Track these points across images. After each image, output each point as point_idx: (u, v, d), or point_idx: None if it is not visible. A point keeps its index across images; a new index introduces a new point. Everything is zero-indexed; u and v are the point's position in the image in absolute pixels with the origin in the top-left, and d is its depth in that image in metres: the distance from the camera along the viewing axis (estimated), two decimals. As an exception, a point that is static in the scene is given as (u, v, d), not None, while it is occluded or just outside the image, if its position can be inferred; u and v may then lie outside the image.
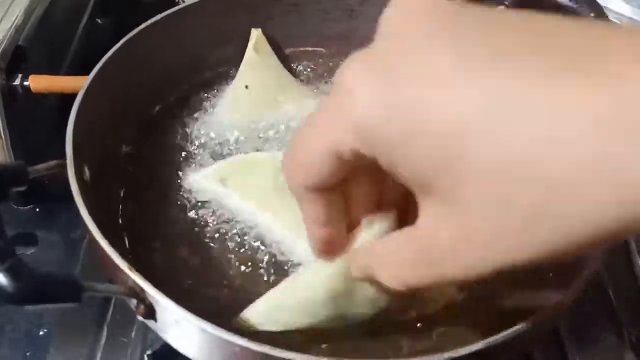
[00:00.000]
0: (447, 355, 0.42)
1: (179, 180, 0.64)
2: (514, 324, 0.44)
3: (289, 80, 0.72)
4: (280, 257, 0.57)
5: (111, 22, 0.93)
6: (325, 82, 0.74)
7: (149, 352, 0.56)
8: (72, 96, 0.57)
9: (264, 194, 0.59)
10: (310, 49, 0.76)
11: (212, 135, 0.68)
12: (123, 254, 0.45)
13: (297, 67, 0.75)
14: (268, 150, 0.66)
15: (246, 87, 0.69)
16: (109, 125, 0.61)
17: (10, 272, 0.39)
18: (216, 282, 0.55)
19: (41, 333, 0.62)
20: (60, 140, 0.53)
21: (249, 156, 0.64)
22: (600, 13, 0.64)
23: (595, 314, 0.64)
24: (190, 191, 0.62)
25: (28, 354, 0.61)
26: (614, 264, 0.68)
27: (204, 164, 0.65)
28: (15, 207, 0.73)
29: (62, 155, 0.52)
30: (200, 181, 0.62)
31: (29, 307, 0.41)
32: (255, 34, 0.73)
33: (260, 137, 0.67)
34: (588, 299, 0.63)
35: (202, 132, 0.68)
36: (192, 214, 0.61)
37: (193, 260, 0.57)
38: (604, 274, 0.67)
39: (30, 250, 0.69)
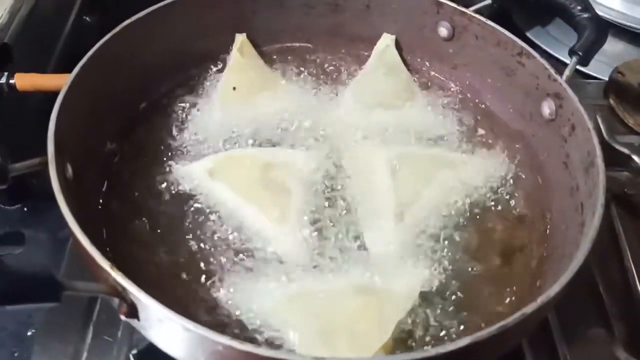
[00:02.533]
0: (434, 351, 0.42)
1: (162, 177, 0.63)
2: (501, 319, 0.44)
3: (274, 80, 0.72)
4: (259, 252, 0.57)
5: (99, 20, 0.93)
6: (313, 79, 0.74)
7: (134, 351, 0.56)
8: (57, 94, 0.57)
9: (250, 188, 0.60)
10: (297, 44, 0.75)
11: (199, 134, 0.67)
12: (105, 252, 0.45)
13: (283, 64, 0.75)
14: (256, 147, 0.65)
15: (234, 88, 0.69)
16: (93, 123, 0.61)
17: (-10, 273, 0.39)
18: (198, 278, 0.55)
19: (29, 333, 0.62)
20: (46, 139, 0.52)
21: (238, 152, 0.64)
22: (587, 7, 0.64)
23: (585, 308, 0.64)
24: (173, 187, 0.62)
25: (16, 354, 0.61)
26: (604, 259, 0.67)
27: (190, 162, 0.64)
28: (2, 206, 0.72)
29: (47, 153, 0.51)
30: (189, 172, 0.62)
31: (9, 307, 0.40)
32: (240, 38, 0.73)
33: (246, 136, 0.67)
34: (578, 294, 0.64)
35: (188, 130, 0.68)
36: (174, 210, 0.60)
37: (175, 257, 0.57)
38: (594, 269, 0.67)
39: (18, 250, 0.69)
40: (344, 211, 0.60)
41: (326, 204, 0.61)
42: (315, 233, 0.58)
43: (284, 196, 0.59)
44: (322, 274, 0.55)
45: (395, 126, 0.68)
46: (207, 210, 0.60)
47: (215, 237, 0.58)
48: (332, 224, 0.59)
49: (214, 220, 0.59)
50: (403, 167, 0.63)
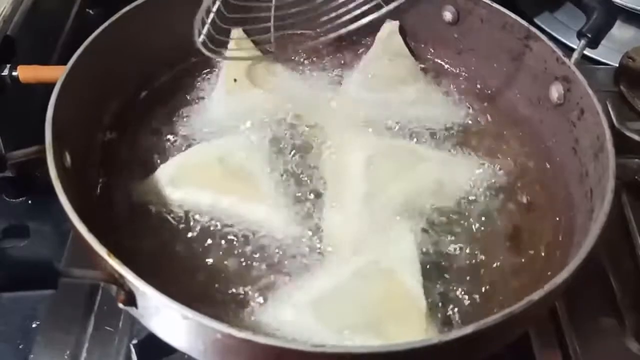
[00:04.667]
0: (438, 339, 0.41)
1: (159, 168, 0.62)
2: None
3: (275, 70, 0.72)
4: (248, 233, 0.57)
5: (101, 12, 0.93)
6: (314, 68, 0.73)
7: (134, 341, 0.56)
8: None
9: (216, 182, 0.60)
10: (298, 31, 0.74)
11: (199, 123, 0.67)
12: (104, 242, 0.44)
13: (284, 53, 0.73)
14: (260, 138, 0.64)
15: (235, 80, 0.69)
16: (92, 112, 0.60)
17: (-14, 260, 0.38)
18: (192, 268, 0.55)
19: (34, 326, 0.62)
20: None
21: (189, 153, 0.63)
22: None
23: (595, 298, 0.63)
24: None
25: (21, 346, 0.61)
26: (614, 249, 0.66)
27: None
28: (7, 199, 0.72)
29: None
30: (153, 184, 0.61)
31: (5, 294, 0.40)
32: (236, 33, 0.72)
33: (246, 126, 0.66)
34: (587, 282, 0.63)
35: (189, 120, 0.67)
36: (170, 201, 0.60)
37: (173, 246, 0.56)
38: (604, 259, 0.66)
39: (22, 242, 0.68)
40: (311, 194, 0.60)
41: (294, 182, 0.61)
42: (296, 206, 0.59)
43: (256, 180, 0.60)
44: (323, 268, 0.55)
45: (396, 115, 0.67)
46: (190, 213, 0.59)
47: (205, 230, 0.58)
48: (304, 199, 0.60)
49: (198, 218, 0.59)
50: (380, 159, 0.62)
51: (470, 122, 0.69)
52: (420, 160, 0.62)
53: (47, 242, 0.69)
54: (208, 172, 0.60)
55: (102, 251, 0.42)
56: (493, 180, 0.63)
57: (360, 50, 0.75)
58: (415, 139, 0.66)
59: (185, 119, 0.67)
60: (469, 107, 0.70)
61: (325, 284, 0.53)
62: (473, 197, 0.61)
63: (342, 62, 0.74)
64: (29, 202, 0.73)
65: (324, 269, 0.54)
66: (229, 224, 0.58)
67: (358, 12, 0.69)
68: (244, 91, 0.69)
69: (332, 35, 0.72)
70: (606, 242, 0.64)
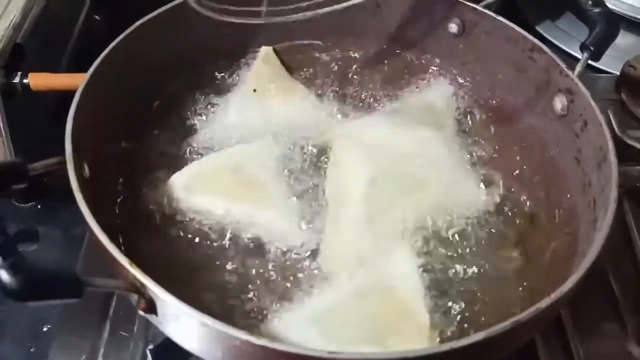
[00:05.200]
0: (448, 346, 0.42)
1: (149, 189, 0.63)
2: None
3: (294, 87, 0.73)
4: (258, 243, 0.58)
5: (109, 19, 0.94)
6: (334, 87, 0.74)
7: (151, 346, 0.57)
8: (70, 93, 0.57)
9: (229, 190, 0.61)
10: (305, 42, 0.75)
11: (212, 132, 0.68)
12: (122, 250, 0.45)
13: (293, 63, 0.75)
14: (272, 151, 0.65)
15: (254, 90, 0.70)
16: (108, 121, 0.61)
17: (13, 269, 0.39)
18: (211, 276, 0.56)
19: (45, 329, 0.63)
20: (59, 137, 0.53)
21: (203, 161, 0.64)
22: (599, 1, 0.64)
23: (598, 303, 0.64)
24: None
25: (32, 350, 0.62)
26: (615, 255, 0.67)
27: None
28: (16, 204, 0.73)
29: (61, 152, 0.52)
30: (167, 192, 0.62)
31: (31, 304, 0.41)
32: (265, 50, 0.74)
33: (261, 137, 0.67)
34: (590, 288, 0.64)
35: (203, 130, 0.68)
36: (185, 209, 0.61)
37: (188, 255, 0.57)
38: (606, 264, 0.67)
39: (31, 247, 0.69)
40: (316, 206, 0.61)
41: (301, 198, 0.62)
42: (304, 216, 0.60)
43: (266, 189, 0.61)
44: (325, 284, 0.55)
45: (402, 137, 0.67)
46: (203, 221, 0.60)
47: (226, 239, 0.59)
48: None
49: (210, 226, 0.60)
50: (384, 181, 0.62)
51: (475, 132, 0.70)
52: (423, 182, 0.62)
53: (56, 246, 0.70)
54: (221, 180, 0.61)
55: (124, 261, 0.44)
56: (496, 199, 0.63)
57: (372, 66, 0.76)
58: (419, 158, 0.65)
59: (199, 128, 0.69)
60: (472, 117, 0.71)
61: (328, 300, 0.54)
62: (477, 215, 0.62)
63: (368, 89, 0.74)
64: (38, 207, 0.74)
65: (327, 286, 0.55)
66: (238, 233, 0.59)
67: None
68: (262, 103, 0.69)
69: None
70: (608, 248, 0.65)
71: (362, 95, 0.73)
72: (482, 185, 0.64)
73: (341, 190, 0.62)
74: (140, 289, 0.44)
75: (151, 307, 0.45)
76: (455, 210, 0.61)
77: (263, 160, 0.64)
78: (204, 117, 0.69)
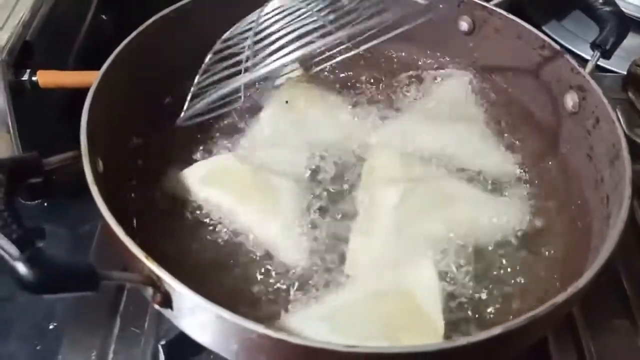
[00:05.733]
0: (465, 341, 0.42)
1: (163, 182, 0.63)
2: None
3: (328, 97, 0.72)
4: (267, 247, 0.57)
5: (116, 18, 0.94)
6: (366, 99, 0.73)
7: (163, 342, 0.57)
8: (78, 91, 0.57)
9: (242, 190, 0.60)
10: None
11: (219, 130, 0.68)
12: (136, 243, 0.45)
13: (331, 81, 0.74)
14: (298, 161, 0.65)
15: (286, 102, 0.69)
16: (121, 117, 0.61)
17: (30, 262, 0.39)
18: (224, 272, 0.56)
19: (51, 327, 0.63)
20: (66, 134, 0.53)
21: (226, 157, 0.65)
22: (609, 1, 0.64)
23: (609, 301, 0.65)
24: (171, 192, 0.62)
25: (38, 347, 0.61)
26: (626, 253, 0.67)
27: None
28: (23, 201, 0.73)
29: (70, 148, 0.52)
30: (185, 179, 0.62)
31: (47, 296, 0.41)
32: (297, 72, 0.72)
33: (287, 145, 0.66)
34: (601, 286, 0.64)
35: (216, 128, 0.68)
36: (195, 206, 0.61)
37: (201, 251, 0.57)
38: (618, 262, 0.67)
39: (38, 245, 0.69)
40: (340, 215, 0.61)
41: (320, 208, 0.61)
42: (312, 236, 0.59)
43: (277, 197, 0.60)
44: (342, 287, 0.55)
45: (435, 151, 0.67)
46: (212, 214, 0.60)
47: (238, 238, 0.58)
48: (324, 227, 0.60)
49: (218, 221, 0.59)
50: (415, 194, 0.61)
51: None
52: (455, 197, 0.62)
53: (63, 244, 0.70)
54: (238, 178, 0.61)
55: (140, 254, 0.44)
56: (524, 222, 0.62)
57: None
58: (450, 175, 0.65)
59: (212, 127, 0.68)
60: (485, 113, 0.71)
61: (344, 298, 0.54)
62: (501, 234, 0.61)
63: (394, 99, 0.74)
64: (45, 204, 0.73)
65: (344, 286, 0.55)
66: (245, 232, 0.58)
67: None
68: (292, 113, 0.69)
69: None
70: (619, 246, 0.66)
71: (386, 98, 0.73)
72: (513, 201, 0.63)
73: (374, 197, 0.61)
74: (156, 283, 0.44)
75: (167, 301, 0.45)
76: (484, 228, 0.60)
77: (289, 167, 0.63)
78: (215, 116, 0.68)
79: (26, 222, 0.70)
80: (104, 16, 0.93)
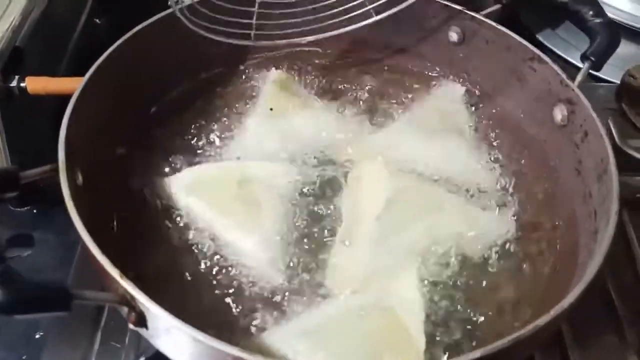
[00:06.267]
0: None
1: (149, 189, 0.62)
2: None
3: (313, 104, 0.72)
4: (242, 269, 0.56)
5: (109, 23, 0.93)
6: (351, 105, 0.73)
7: (142, 358, 0.56)
8: (69, 98, 0.57)
9: (226, 203, 0.60)
10: (306, 49, 0.74)
11: (208, 141, 0.67)
12: (115, 260, 0.44)
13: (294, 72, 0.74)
14: (285, 170, 0.64)
15: (271, 109, 0.69)
16: (104, 127, 0.61)
17: (0, 282, 0.39)
18: (206, 291, 0.55)
19: (37, 336, 0.62)
20: (57, 142, 0.52)
21: (213, 166, 0.64)
22: (600, 12, 0.63)
23: (598, 315, 0.64)
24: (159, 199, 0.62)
25: (24, 357, 0.61)
26: (616, 266, 0.66)
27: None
28: (12, 208, 0.72)
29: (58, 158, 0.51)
30: (169, 187, 0.62)
31: (18, 317, 0.40)
32: (277, 75, 0.73)
33: (273, 155, 0.65)
34: (590, 300, 0.63)
35: (201, 138, 0.67)
36: (178, 214, 0.60)
37: (183, 268, 0.57)
38: (606, 274, 0.66)
39: (26, 252, 0.68)
40: (323, 230, 0.60)
41: (305, 221, 0.60)
42: (293, 252, 0.58)
43: (259, 211, 0.59)
44: (322, 303, 0.54)
45: (422, 160, 0.66)
46: (192, 227, 0.60)
47: (217, 254, 0.58)
48: (306, 240, 0.59)
49: (198, 234, 0.59)
50: (400, 203, 0.61)
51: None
52: (439, 208, 0.61)
53: (51, 252, 0.69)
54: (223, 190, 0.60)
55: (114, 273, 0.43)
56: (509, 235, 0.61)
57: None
58: (436, 183, 0.64)
59: (198, 136, 0.68)
60: (473, 126, 0.71)
61: (324, 315, 0.53)
62: (486, 247, 0.60)
63: (381, 108, 0.73)
64: (34, 211, 0.73)
65: (325, 302, 0.54)
66: (225, 246, 0.58)
67: (342, 18, 0.66)
68: (278, 121, 0.68)
69: (310, 38, 0.68)
70: (608, 259, 0.65)
71: (375, 107, 0.73)
72: (499, 213, 0.63)
73: (358, 207, 0.61)
74: (130, 302, 0.43)
75: (141, 321, 0.44)
76: (468, 240, 0.59)
77: (273, 178, 0.62)
78: (202, 124, 0.69)
79: (15, 230, 0.71)
80: (98, 21, 0.92)
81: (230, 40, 0.60)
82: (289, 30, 0.66)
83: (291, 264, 0.57)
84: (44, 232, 0.70)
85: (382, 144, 0.67)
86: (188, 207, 0.60)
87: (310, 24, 0.65)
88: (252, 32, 0.62)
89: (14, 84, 0.67)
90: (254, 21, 0.64)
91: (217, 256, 0.58)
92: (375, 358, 0.48)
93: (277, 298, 0.55)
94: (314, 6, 0.66)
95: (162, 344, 0.47)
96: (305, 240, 0.59)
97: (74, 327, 0.60)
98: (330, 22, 0.66)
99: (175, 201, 0.60)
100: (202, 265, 0.57)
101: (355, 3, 0.66)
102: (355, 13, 0.66)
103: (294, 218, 0.60)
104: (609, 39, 0.63)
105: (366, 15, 0.66)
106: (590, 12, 0.63)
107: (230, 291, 0.55)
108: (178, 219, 0.60)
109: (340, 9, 0.66)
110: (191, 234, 0.59)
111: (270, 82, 0.72)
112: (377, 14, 0.66)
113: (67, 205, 0.47)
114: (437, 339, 0.52)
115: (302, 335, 0.50)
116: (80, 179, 0.53)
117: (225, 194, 0.60)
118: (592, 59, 0.63)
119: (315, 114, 0.70)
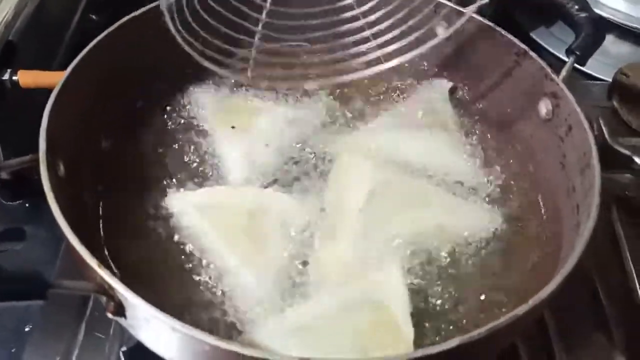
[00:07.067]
0: (421, 352, 0.42)
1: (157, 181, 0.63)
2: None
3: (270, 108, 0.70)
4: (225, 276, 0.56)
5: (104, 18, 0.93)
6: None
7: (124, 348, 0.56)
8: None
9: (233, 233, 0.58)
10: (294, 44, 0.74)
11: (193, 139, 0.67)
12: (97, 252, 0.45)
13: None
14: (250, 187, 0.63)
15: (233, 127, 0.67)
16: (88, 120, 0.60)
17: (-26, 269, 0.39)
18: (185, 282, 0.55)
19: (27, 329, 0.62)
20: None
21: (228, 190, 0.63)
22: (585, 7, 0.63)
23: (585, 313, 0.64)
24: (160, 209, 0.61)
25: (13, 350, 0.61)
26: (603, 264, 0.67)
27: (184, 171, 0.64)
28: (3, 202, 0.72)
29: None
30: (179, 204, 0.61)
31: (-3, 304, 0.40)
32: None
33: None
34: (577, 298, 0.63)
35: (184, 133, 0.67)
36: (165, 216, 0.60)
37: (168, 263, 0.56)
38: (594, 274, 0.66)
39: (18, 246, 0.69)
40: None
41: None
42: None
43: (263, 249, 0.58)
44: (309, 297, 0.54)
45: (405, 153, 0.66)
46: (185, 233, 0.59)
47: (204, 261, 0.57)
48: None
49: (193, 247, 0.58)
50: (383, 196, 0.61)
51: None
52: (424, 201, 0.61)
53: (43, 245, 0.69)
54: (235, 219, 0.59)
55: (92, 262, 0.43)
56: (495, 227, 0.61)
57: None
58: (420, 177, 0.64)
59: (184, 131, 0.68)
60: (459, 121, 0.71)
61: (311, 311, 0.53)
62: (471, 240, 0.60)
63: (366, 103, 0.73)
64: (26, 205, 0.73)
65: (311, 297, 0.54)
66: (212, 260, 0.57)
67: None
68: (244, 134, 0.67)
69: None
70: (596, 257, 0.65)
71: (361, 103, 0.72)
72: (485, 206, 0.63)
73: (341, 202, 0.61)
74: (108, 292, 0.43)
75: (120, 311, 0.44)
76: (453, 232, 0.59)
77: (287, 215, 0.60)
78: (185, 121, 0.68)
79: (7, 223, 0.71)
80: (92, 16, 0.92)
81: (222, 72, 0.57)
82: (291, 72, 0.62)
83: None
84: (36, 226, 0.70)
85: (367, 139, 0.67)
86: (192, 225, 0.59)
87: (315, 68, 0.62)
88: (249, 71, 0.58)
89: (6, 77, 0.67)
90: (252, 56, 0.60)
91: (205, 261, 0.57)
92: (365, 351, 0.48)
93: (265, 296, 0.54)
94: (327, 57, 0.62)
95: (142, 334, 0.47)
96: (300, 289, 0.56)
97: (57, 319, 0.60)
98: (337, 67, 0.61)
99: (180, 217, 0.59)
100: (188, 264, 0.57)
101: (365, 49, 0.61)
102: (364, 59, 0.60)
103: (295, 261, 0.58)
104: (593, 34, 0.63)
105: (376, 61, 0.60)
106: (576, 7, 0.63)
107: (216, 287, 0.55)
108: (165, 218, 0.60)
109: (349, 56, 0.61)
110: (178, 235, 0.59)
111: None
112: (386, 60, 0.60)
113: (47, 194, 0.47)
114: (424, 330, 0.53)
115: (290, 331, 0.50)
116: (62, 170, 0.53)
117: (235, 223, 0.59)
118: (577, 53, 0.63)
119: (291, 114, 0.69)
